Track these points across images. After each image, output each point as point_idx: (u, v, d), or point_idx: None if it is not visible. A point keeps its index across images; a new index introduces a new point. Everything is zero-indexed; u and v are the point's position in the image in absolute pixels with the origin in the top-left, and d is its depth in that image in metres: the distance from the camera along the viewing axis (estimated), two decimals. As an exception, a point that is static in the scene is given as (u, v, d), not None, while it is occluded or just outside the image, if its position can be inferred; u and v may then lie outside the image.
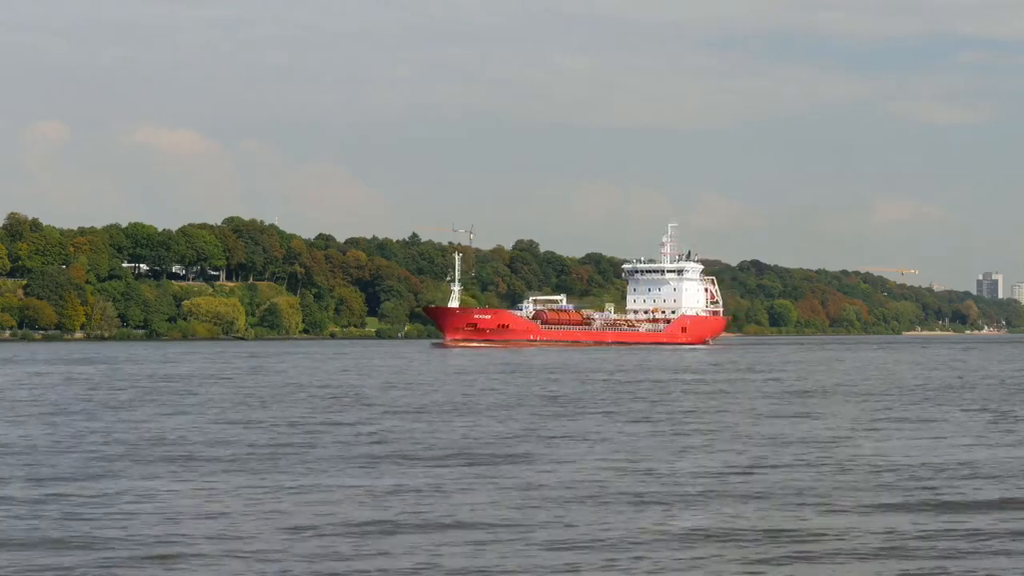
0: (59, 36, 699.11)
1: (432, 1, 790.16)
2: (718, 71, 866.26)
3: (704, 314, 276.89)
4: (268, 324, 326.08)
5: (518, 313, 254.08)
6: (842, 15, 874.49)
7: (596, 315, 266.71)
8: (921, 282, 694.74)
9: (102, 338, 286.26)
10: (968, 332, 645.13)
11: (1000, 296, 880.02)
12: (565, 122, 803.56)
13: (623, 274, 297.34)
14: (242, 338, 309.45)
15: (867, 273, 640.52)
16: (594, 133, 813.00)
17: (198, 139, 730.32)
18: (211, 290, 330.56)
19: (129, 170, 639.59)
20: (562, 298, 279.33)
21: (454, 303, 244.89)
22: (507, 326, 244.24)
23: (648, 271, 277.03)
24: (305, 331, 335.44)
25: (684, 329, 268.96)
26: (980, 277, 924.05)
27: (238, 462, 42.51)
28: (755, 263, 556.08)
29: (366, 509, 32.58)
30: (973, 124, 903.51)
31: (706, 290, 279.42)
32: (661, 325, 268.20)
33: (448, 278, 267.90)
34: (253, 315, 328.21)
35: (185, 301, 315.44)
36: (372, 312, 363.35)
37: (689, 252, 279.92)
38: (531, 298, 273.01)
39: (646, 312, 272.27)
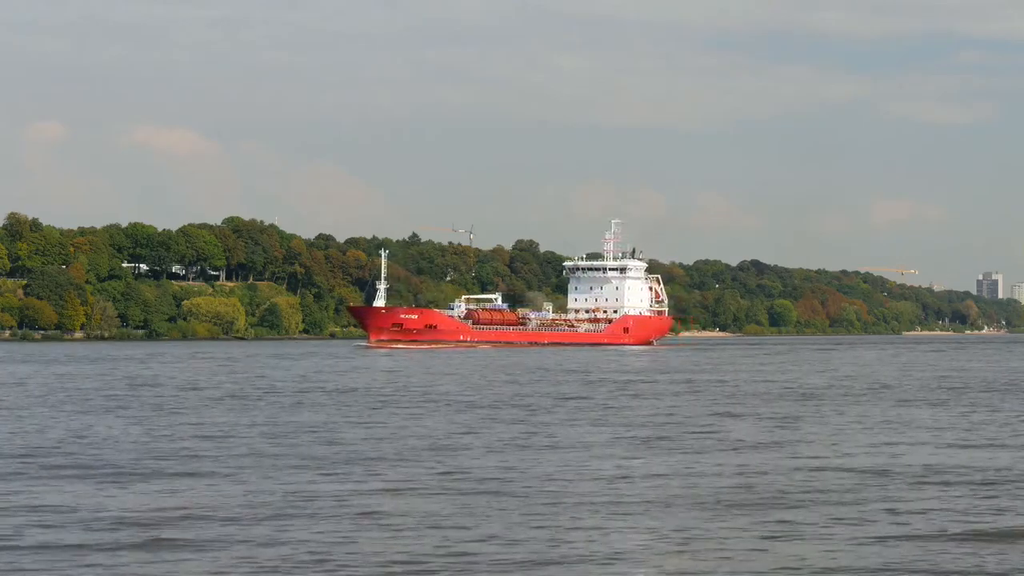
0: (59, 36, 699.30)
1: (432, 1, 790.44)
2: (718, 71, 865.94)
3: (648, 314, 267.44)
4: (268, 324, 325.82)
5: (448, 313, 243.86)
6: (842, 15, 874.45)
7: (532, 315, 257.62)
8: (921, 282, 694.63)
9: (102, 338, 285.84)
10: (968, 332, 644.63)
11: (1000, 296, 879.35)
12: (565, 122, 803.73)
13: (564, 272, 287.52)
14: (242, 338, 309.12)
15: (867, 273, 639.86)
16: (594, 133, 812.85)
17: (197, 139, 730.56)
18: (211, 290, 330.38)
19: (128, 170, 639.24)
20: (496, 297, 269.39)
21: (380, 302, 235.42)
22: (435, 326, 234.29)
23: (590, 269, 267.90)
24: (305, 331, 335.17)
25: (626, 330, 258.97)
26: (980, 277, 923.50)
27: None
28: (755, 263, 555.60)
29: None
30: (973, 124, 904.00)
31: (651, 289, 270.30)
32: (602, 325, 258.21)
33: (373, 277, 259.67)
34: (253, 315, 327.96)
35: (185, 301, 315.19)
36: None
37: (634, 250, 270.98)
38: (463, 296, 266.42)
39: (587, 312, 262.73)
